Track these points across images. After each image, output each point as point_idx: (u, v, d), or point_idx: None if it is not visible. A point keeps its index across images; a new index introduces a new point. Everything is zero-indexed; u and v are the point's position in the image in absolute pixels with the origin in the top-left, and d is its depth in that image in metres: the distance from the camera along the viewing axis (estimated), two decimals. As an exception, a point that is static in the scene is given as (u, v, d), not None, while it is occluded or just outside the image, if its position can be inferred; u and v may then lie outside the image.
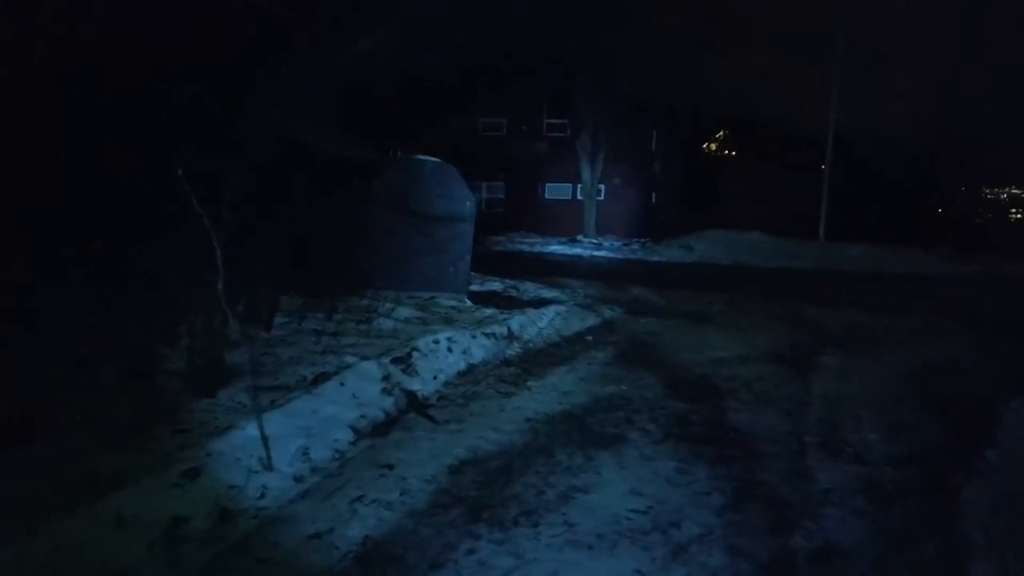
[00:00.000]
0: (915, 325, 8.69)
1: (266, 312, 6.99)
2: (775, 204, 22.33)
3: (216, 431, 4.02)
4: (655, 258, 19.23)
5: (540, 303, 9.26)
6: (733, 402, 5.41)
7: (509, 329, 6.92)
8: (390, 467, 3.97)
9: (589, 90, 23.62)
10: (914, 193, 25.80)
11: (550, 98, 24.94)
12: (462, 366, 5.83)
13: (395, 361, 5.30)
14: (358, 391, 4.66)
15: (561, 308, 8.71)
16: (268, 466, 3.77)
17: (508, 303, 9.21)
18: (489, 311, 8.19)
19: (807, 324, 8.71)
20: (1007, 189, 57.99)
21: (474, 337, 6.25)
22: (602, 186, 25.39)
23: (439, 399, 5.20)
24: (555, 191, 25.82)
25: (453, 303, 8.53)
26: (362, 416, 4.46)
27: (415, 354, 5.51)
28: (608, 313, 8.93)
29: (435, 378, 5.42)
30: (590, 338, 7.56)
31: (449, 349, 5.87)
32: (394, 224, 8.93)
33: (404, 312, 7.46)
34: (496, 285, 10.83)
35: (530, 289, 10.67)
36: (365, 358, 5.38)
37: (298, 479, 3.74)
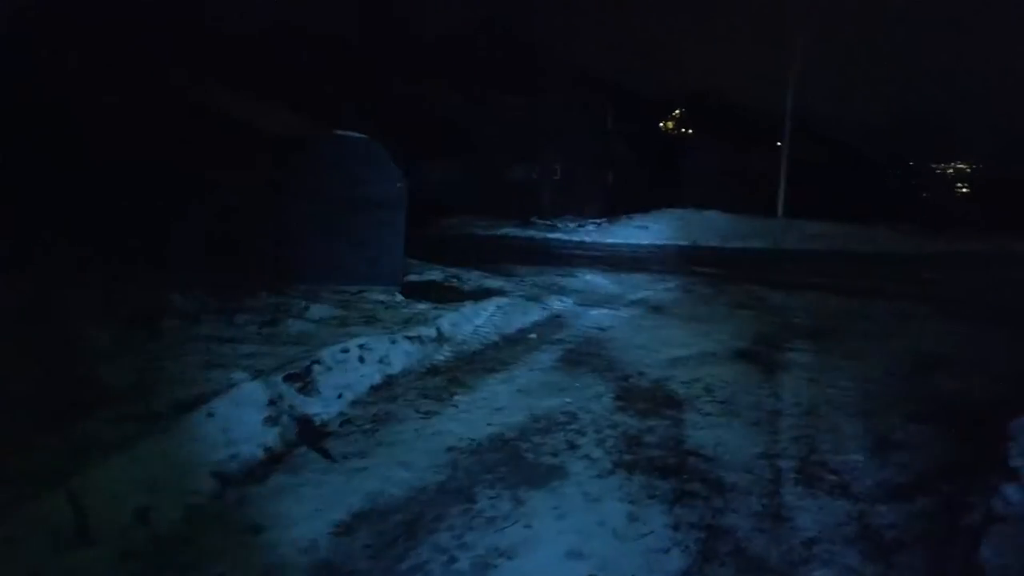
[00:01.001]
0: (890, 310, 8.07)
1: (154, 313, 5.97)
2: (733, 182, 21.81)
3: (32, 489, 3.05)
4: (611, 240, 18.50)
5: (482, 294, 8.37)
6: (693, 415, 4.63)
7: (439, 330, 6.02)
8: (258, 530, 3.06)
9: (545, 67, 22.70)
10: (873, 170, 25.60)
11: (505, 75, 23.86)
12: (377, 379, 4.92)
13: (289, 378, 4.36)
14: (232, 423, 3.71)
15: (504, 301, 7.84)
16: (85, 538, 2.83)
17: (446, 296, 8.31)
18: (422, 307, 7.27)
19: (772, 312, 8.01)
20: (953, 164, 59.24)
21: (394, 342, 5.33)
22: (558, 166, 24.56)
23: (342, 424, 4.29)
24: (510, 171, 24.85)
25: (383, 298, 7.58)
26: (233, 457, 3.53)
27: (316, 367, 4.57)
28: (556, 305, 8.09)
29: (340, 397, 4.49)
30: (534, 336, 6.71)
31: (361, 359, 4.95)
32: (316, 208, 7.93)
33: (321, 311, 6.50)
34: (436, 274, 9.90)
35: (473, 278, 9.77)
36: (259, 373, 4.43)
37: (125, 556, 2.81)
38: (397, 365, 5.16)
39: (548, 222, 21.52)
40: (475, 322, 6.76)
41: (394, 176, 8.57)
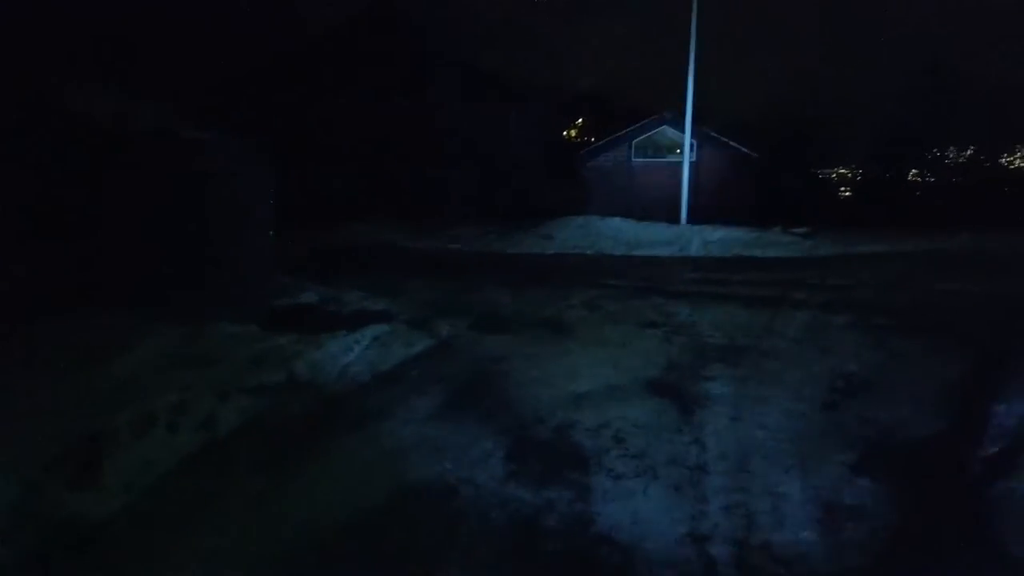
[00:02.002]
0: (801, 323, 7.53)
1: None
2: (635, 188, 21.52)
3: None
4: (512, 250, 17.66)
5: (361, 320, 7.25)
6: (603, 479, 3.73)
7: (292, 374, 4.87)
8: None
9: (443, 68, 21.69)
10: (768, 173, 26.11)
11: (399, 72, 22.64)
12: (194, 449, 3.74)
13: (56, 465, 3.13)
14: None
15: (385, 328, 6.76)
16: None
17: (319, 323, 7.13)
18: (283, 340, 6.08)
19: (682, 330, 7.31)
20: (835, 169, 62.83)
21: (226, 397, 4.16)
22: (459, 172, 23.56)
23: (130, 519, 3.10)
24: (406, 175, 23.59)
25: (236, 329, 6.32)
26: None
27: (110, 440, 3.35)
28: (445, 331, 7.07)
29: (129, 484, 3.30)
30: (415, 373, 5.66)
31: (174, 425, 3.75)
32: (153, 217, 6.59)
33: (146, 351, 5.20)
34: (312, 296, 8.68)
35: (355, 299, 8.62)
36: (7, 460, 3.17)
37: None
38: (226, 427, 3.99)
39: (446, 231, 20.44)
40: (345, 359, 5.64)
41: (260, 181, 7.35)
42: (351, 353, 5.82)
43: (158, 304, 6.30)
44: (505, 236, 19.46)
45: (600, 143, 25.66)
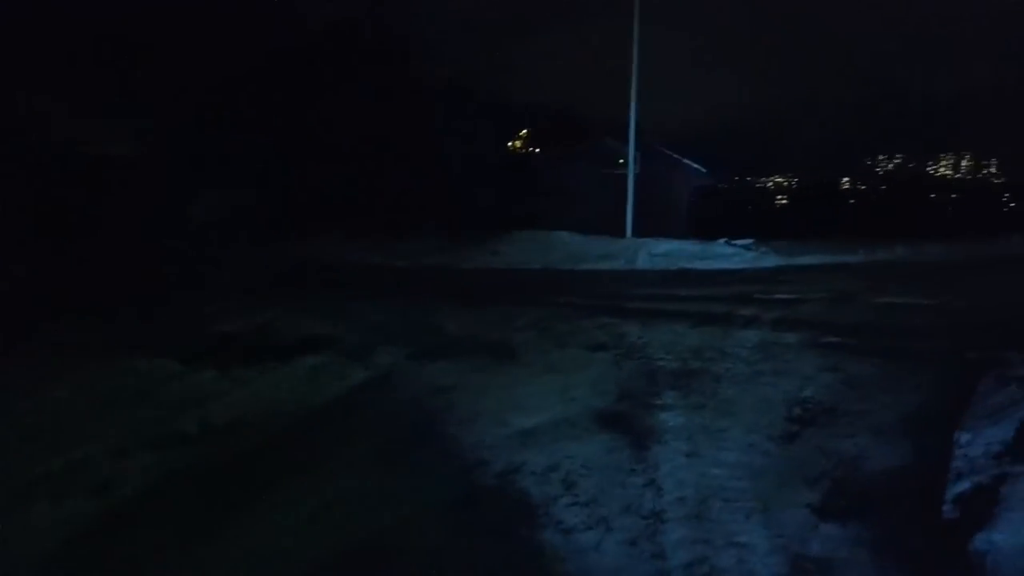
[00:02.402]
0: (753, 343, 7.39)
1: None
2: (582, 201, 21.43)
3: None
4: (460, 265, 17.30)
5: (296, 349, 6.78)
6: (552, 534, 3.40)
7: (207, 421, 4.40)
8: None
9: (389, 76, 21.19)
10: (710, 184, 26.49)
11: (353, 84, 21.99)
12: (80, 524, 3.25)
13: None
14: None
15: (319, 358, 6.31)
16: None
17: (249, 354, 6.61)
18: (205, 376, 5.58)
19: (631, 353, 7.07)
20: (772, 178, 64.72)
21: (124, 455, 3.67)
22: (407, 182, 23.04)
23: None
24: (356, 189, 22.90)
25: (152, 366, 5.78)
26: None
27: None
28: (387, 359, 6.65)
29: (18, 560, 2.81)
30: (350, 411, 5.24)
31: (57, 497, 3.25)
32: (68, 244, 5.99)
33: (35, 399, 4.64)
34: (245, 321, 8.13)
35: (292, 324, 8.11)
36: None
37: None
38: (123, 492, 3.51)
39: (395, 246, 19.91)
40: (273, 397, 5.18)
41: (199, 201, 6.81)
42: (280, 390, 5.36)
43: (58, 338, 5.72)
44: (452, 250, 19.08)
45: (545, 155, 25.57)
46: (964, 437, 4.16)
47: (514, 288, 13.13)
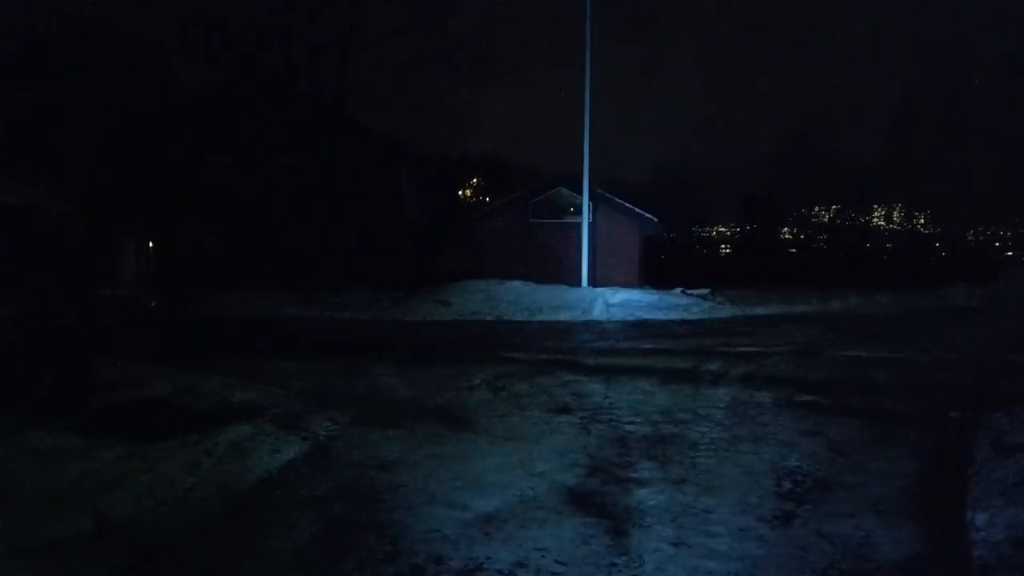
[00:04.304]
0: (725, 403, 6.93)
1: None
2: (533, 250, 21.08)
3: None
4: (408, 317, 16.58)
5: (220, 418, 5.98)
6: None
7: (102, 518, 3.60)
8: None
9: (324, 123, 20.57)
10: (660, 234, 26.54)
11: (283, 132, 21.27)
12: None
13: None
14: None
15: (246, 430, 5.53)
16: None
17: (164, 424, 5.79)
18: (108, 455, 4.75)
19: (599, 416, 6.51)
20: (715, 227, 66.26)
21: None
22: (346, 233, 22.27)
23: None
24: (292, 239, 22.02)
25: (45, 441, 4.93)
26: None
27: None
28: (323, 429, 5.91)
29: None
30: (279, 493, 4.50)
31: None
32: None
33: None
34: (165, 386, 7.26)
35: (217, 388, 7.28)
36: None
37: None
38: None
39: (336, 298, 19.03)
40: (186, 481, 4.39)
41: (75, 256, 6.06)
42: (197, 471, 4.57)
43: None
44: (399, 302, 18.35)
45: (497, 204, 25.26)
46: (979, 518, 3.71)
47: (466, 343, 12.49)
